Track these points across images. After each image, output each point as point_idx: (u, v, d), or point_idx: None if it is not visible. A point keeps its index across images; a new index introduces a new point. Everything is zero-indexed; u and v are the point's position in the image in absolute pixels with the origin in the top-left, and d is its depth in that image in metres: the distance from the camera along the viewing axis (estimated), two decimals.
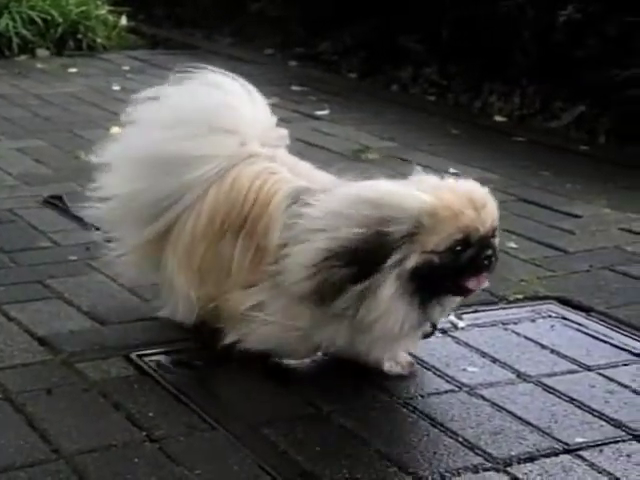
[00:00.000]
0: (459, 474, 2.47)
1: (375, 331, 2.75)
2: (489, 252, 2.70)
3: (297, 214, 2.78)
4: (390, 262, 2.65)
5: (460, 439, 2.63)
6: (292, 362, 2.93)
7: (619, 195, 4.79)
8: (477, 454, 2.56)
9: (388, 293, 2.66)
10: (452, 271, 2.68)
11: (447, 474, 2.47)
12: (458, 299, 2.88)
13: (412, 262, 2.66)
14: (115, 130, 5.59)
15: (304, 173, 2.98)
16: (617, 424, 2.72)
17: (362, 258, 2.64)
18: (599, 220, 4.41)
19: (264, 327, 2.85)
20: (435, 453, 2.56)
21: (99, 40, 8.16)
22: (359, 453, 2.54)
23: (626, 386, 2.93)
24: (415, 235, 2.65)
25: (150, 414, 2.68)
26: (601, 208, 4.56)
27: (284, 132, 3.12)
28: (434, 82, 7.11)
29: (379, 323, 2.71)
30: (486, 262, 2.71)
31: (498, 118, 6.38)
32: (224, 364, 2.99)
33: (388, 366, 2.92)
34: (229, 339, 2.92)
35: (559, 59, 6.27)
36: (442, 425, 2.69)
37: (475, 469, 2.50)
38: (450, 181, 2.78)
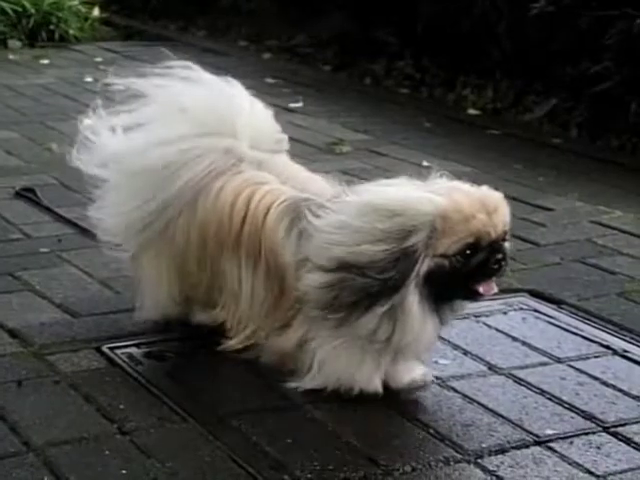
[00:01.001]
0: (430, 466, 2.48)
1: (411, 349, 2.72)
2: (499, 256, 2.65)
3: (309, 227, 2.68)
4: (413, 275, 2.59)
5: (431, 431, 2.63)
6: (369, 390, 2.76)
7: (591, 188, 4.81)
8: (448, 446, 2.57)
9: (416, 307, 2.60)
10: (462, 275, 2.63)
11: (418, 466, 2.47)
12: (468, 303, 2.84)
13: (425, 267, 2.60)
14: (88, 122, 5.60)
15: (297, 180, 2.87)
16: (587, 416, 2.73)
17: (391, 278, 2.56)
18: (571, 213, 4.44)
19: (325, 358, 2.73)
20: (406, 445, 2.56)
21: (71, 31, 8.12)
22: (330, 445, 2.54)
23: (596, 378, 2.94)
24: (429, 240, 2.59)
25: (121, 406, 2.68)
26: (573, 201, 4.58)
27: (282, 137, 3.02)
28: (408, 75, 7.12)
29: (415, 342, 2.67)
30: (496, 266, 2.66)
31: (472, 111, 6.40)
32: (195, 356, 2.98)
33: None
34: (302, 386, 2.76)
35: (532, 53, 6.29)
36: (413, 417, 2.69)
37: (446, 461, 2.50)
38: (462, 184, 2.71)
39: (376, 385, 2.74)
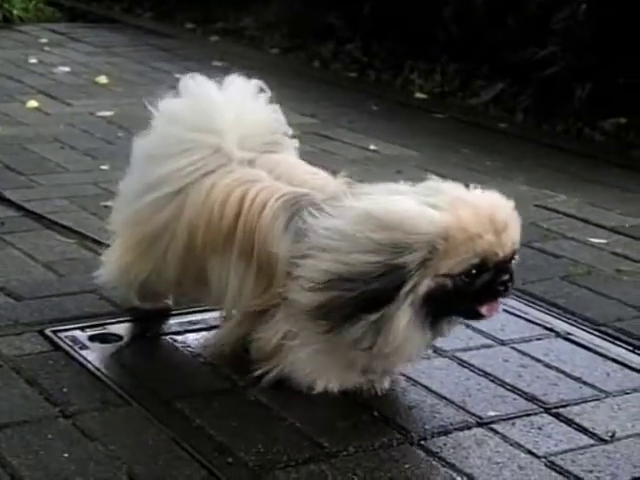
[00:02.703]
0: (374, 448, 2.49)
1: (392, 359, 2.64)
2: (506, 277, 2.53)
3: (305, 226, 2.58)
4: (404, 290, 2.47)
5: (375, 414, 2.64)
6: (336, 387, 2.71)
7: (536, 172, 4.85)
8: (392, 428, 2.58)
9: (404, 323, 2.49)
10: (465, 296, 2.52)
11: (362, 448, 2.48)
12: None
13: (425, 287, 2.49)
14: (32, 104, 5.56)
15: (294, 176, 2.77)
16: (529, 397, 2.76)
17: (375, 290, 2.45)
18: (516, 197, 4.38)
19: (300, 354, 2.66)
20: (350, 428, 2.57)
21: (16, 12, 8.02)
22: (274, 428, 2.54)
23: (539, 360, 2.97)
24: (429, 260, 2.47)
25: (64, 390, 2.66)
26: (518, 185, 4.61)
27: (280, 137, 2.94)
28: (356, 59, 7.12)
29: (397, 353, 2.59)
30: (502, 288, 2.55)
31: (419, 95, 6.42)
32: (140, 340, 2.98)
33: None
34: (275, 374, 2.70)
35: (479, 37, 6.32)
36: (357, 400, 2.70)
37: (390, 443, 2.51)
38: (472, 194, 2.57)
39: (333, 388, 2.71)
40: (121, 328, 3.02)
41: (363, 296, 2.47)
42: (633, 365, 2.98)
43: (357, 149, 5.08)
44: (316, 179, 2.81)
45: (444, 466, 2.44)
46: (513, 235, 2.55)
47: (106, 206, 3.90)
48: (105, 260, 3.04)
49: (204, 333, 3.01)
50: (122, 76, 6.36)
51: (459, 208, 2.49)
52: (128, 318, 3.06)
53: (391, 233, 2.46)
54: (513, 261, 2.57)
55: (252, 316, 2.72)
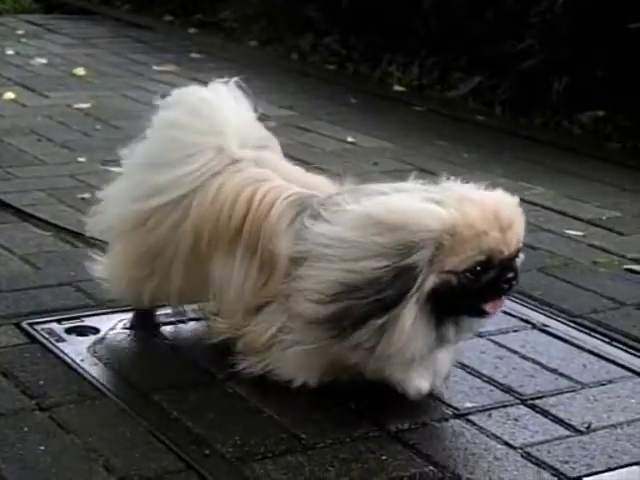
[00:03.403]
0: (351, 440, 2.49)
1: (394, 360, 2.59)
2: (510, 275, 2.52)
3: (309, 226, 2.56)
4: (412, 291, 2.46)
5: (352, 406, 2.64)
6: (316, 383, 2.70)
7: (514, 165, 4.87)
8: (369, 420, 2.58)
9: (409, 322, 2.47)
10: (470, 293, 2.50)
11: (338, 441, 2.48)
12: (474, 321, 2.69)
13: (430, 283, 2.47)
14: (9, 95, 5.54)
15: (297, 178, 2.77)
16: (506, 389, 2.77)
17: (388, 296, 2.44)
18: (494, 189, 4.46)
19: (289, 350, 2.64)
20: (327, 421, 2.57)
21: None
22: (251, 420, 2.54)
23: (515, 352, 2.98)
24: (435, 256, 2.45)
25: (40, 382, 2.65)
26: (497, 178, 4.61)
27: (267, 134, 2.92)
28: (334, 51, 7.12)
29: (399, 354, 2.55)
30: (506, 285, 2.54)
31: (397, 88, 6.42)
32: (117, 332, 2.97)
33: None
34: (259, 368, 2.70)
35: (458, 30, 6.33)
36: (334, 394, 2.69)
37: (366, 435, 2.52)
38: (478, 193, 2.54)
39: (313, 382, 2.69)
40: (98, 321, 3.01)
41: (375, 303, 2.45)
42: (609, 357, 2.99)
43: (335, 141, 5.08)
44: (316, 181, 2.80)
45: (421, 458, 2.44)
46: (518, 232, 2.54)
47: (83, 198, 3.91)
48: (107, 275, 2.94)
49: (182, 325, 3.01)
50: (99, 68, 6.34)
51: (465, 205, 2.48)
52: (105, 311, 3.05)
53: (396, 234, 2.44)
54: (517, 259, 2.57)
55: (248, 313, 2.71)
